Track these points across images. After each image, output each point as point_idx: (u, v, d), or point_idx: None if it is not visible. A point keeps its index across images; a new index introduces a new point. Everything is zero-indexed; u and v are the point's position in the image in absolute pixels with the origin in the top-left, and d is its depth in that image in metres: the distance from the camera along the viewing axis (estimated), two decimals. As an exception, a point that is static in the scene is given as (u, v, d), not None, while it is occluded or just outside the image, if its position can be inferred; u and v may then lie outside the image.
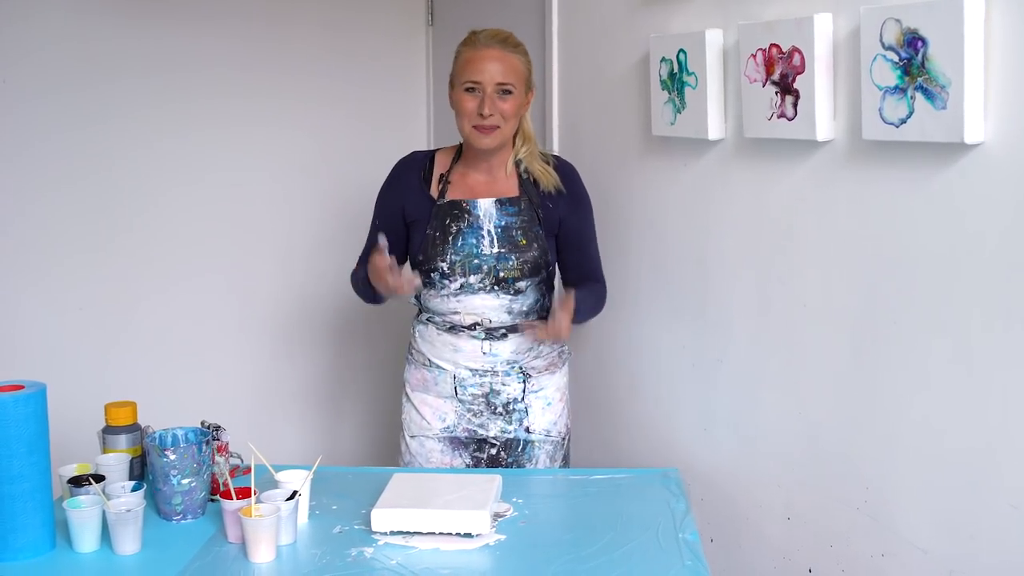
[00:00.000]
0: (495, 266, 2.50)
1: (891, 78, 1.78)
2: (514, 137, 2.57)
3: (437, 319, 2.58)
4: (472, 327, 2.53)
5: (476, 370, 2.55)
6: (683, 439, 2.58)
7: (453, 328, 2.55)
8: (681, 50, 2.36)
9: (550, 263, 2.56)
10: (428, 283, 2.54)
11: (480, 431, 2.58)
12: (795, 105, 2.03)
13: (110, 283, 3.46)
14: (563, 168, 2.61)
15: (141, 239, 3.50)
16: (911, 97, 1.75)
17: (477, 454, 2.59)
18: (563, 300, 2.46)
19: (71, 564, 1.93)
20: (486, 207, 2.53)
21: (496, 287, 2.50)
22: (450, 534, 1.99)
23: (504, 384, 2.56)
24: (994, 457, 1.73)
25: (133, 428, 2.26)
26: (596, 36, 2.84)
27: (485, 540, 1.99)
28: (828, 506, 2.11)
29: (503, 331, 2.54)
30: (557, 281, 2.67)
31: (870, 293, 1.96)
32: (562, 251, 2.59)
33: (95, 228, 3.42)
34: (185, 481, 2.07)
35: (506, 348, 2.55)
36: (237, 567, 1.89)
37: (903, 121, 1.77)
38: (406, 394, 2.67)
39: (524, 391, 2.57)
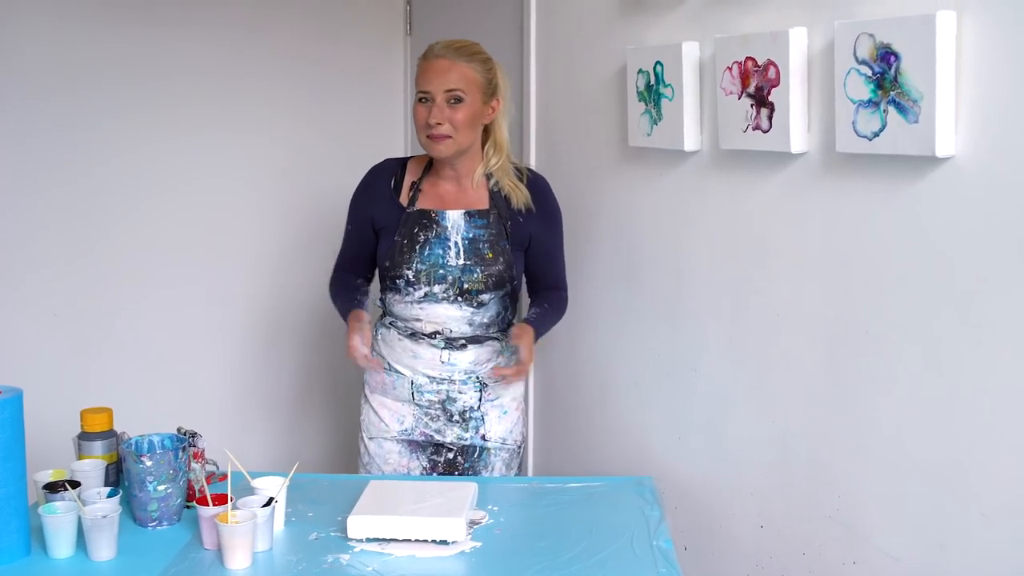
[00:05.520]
0: (459, 277, 2.50)
1: (864, 92, 1.81)
2: (484, 147, 2.58)
3: (399, 324, 2.59)
4: (432, 335, 2.54)
5: (434, 378, 2.56)
6: (657, 448, 2.59)
7: (414, 335, 2.56)
8: (658, 62, 2.38)
9: (515, 277, 2.56)
10: (393, 289, 2.55)
11: (437, 436, 2.59)
12: (770, 118, 2.05)
13: (86, 289, 3.44)
14: (536, 183, 2.62)
15: (117, 245, 3.48)
16: (884, 111, 1.77)
17: (434, 457, 2.60)
18: (520, 335, 2.48)
19: (46, 570, 1.92)
20: (455, 219, 2.53)
21: (459, 298, 2.51)
22: (426, 541, 2.00)
23: (461, 392, 2.57)
24: (964, 465, 1.75)
25: (109, 434, 2.25)
26: (574, 47, 2.86)
27: (460, 547, 2.00)
28: (800, 514, 2.13)
29: (463, 342, 2.55)
30: (523, 295, 2.68)
31: (843, 303, 1.98)
32: (531, 263, 2.61)
33: (71, 233, 3.40)
34: (161, 487, 2.07)
35: (465, 359, 2.56)
36: (213, 573, 1.89)
37: (876, 134, 1.80)
38: (365, 395, 2.68)
39: (480, 399, 2.58)
